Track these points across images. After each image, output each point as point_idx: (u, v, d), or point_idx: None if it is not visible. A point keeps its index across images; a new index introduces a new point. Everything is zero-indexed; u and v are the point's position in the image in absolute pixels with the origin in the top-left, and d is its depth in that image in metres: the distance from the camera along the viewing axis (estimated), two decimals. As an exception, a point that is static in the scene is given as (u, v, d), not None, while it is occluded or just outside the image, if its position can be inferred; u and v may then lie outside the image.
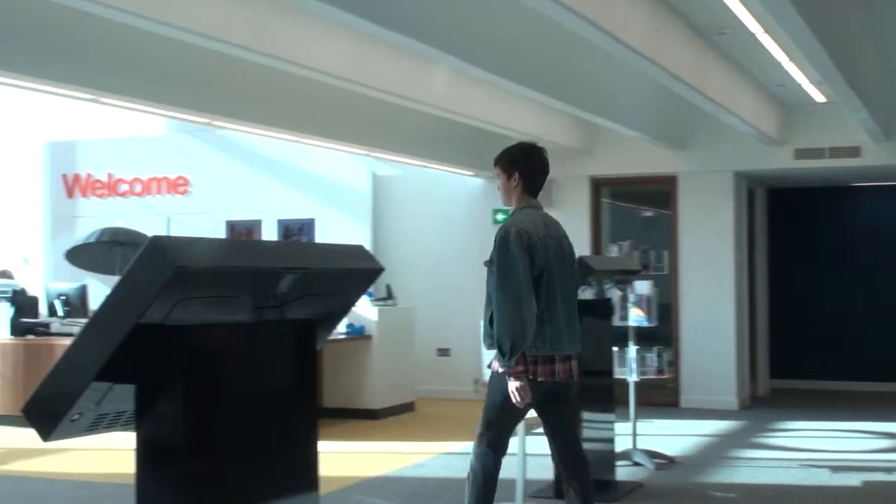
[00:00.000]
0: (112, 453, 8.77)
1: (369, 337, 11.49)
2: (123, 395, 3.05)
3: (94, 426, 3.11)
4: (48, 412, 2.94)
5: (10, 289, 11.52)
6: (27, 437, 9.92)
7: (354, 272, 3.65)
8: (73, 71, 7.55)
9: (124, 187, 14.57)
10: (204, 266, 2.95)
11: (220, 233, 13.72)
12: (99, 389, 2.95)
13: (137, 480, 3.01)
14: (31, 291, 12.06)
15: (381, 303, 11.74)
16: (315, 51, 7.51)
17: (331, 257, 3.65)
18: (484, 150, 12.18)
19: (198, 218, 13.91)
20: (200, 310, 3.10)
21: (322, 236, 13.44)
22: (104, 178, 14.64)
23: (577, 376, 5.39)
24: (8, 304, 11.18)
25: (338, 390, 11.39)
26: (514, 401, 5.13)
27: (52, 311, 11.43)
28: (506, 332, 5.07)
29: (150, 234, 10.97)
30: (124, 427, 3.30)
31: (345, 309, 3.81)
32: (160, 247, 2.82)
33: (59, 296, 11.37)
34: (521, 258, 5.15)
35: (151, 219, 13.84)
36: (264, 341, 3.31)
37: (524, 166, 5.48)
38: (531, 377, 5.15)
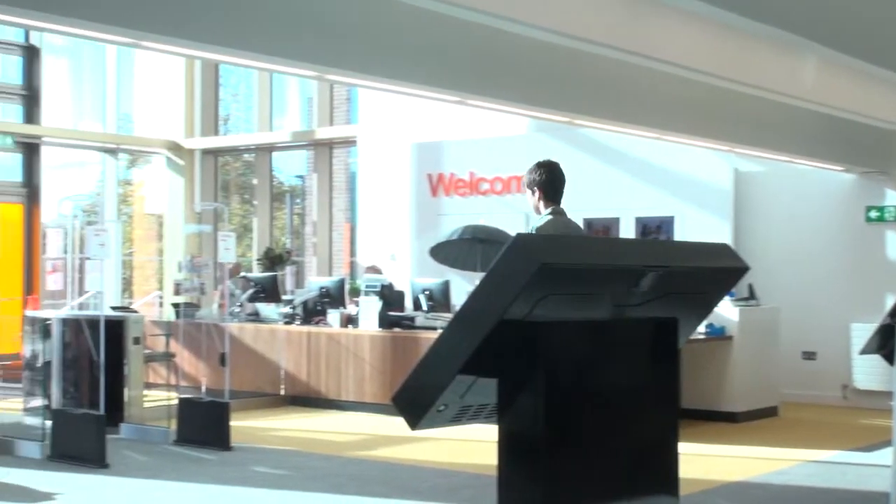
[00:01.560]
0: (471, 444, 9.02)
1: (730, 338, 11.21)
2: (486, 389, 3.11)
3: (458, 418, 3.20)
4: (416, 402, 3.04)
5: (378, 283, 12.11)
6: (394, 424, 10.44)
7: (718, 271, 3.54)
8: (442, 75, 7.82)
9: (485, 186, 14.97)
10: (566, 263, 2.95)
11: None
12: (463, 382, 3.02)
13: (499, 472, 3.06)
14: (397, 286, 12.62)
15: (742, 303, 11.42)
16: (674, 44, 7.38)
17: (694, 255, 3.56)
18: (855, 144, 11.60)
19: (557, 216, 14.04)
20: (561, 307, 3.10)
21: (681, 234, 13.24)
22: (466, 178, 15.10)
23: None
24: (377, 297, 11.77)
25: (696, 392, 11.18)
26: None
27: (416, 306, 11.92)
28: None
29: (509, 231, 11.15)
30: (486, 420, 3.37)
31: (707, 309, 3.70)
32: (524, 244, 2.85)
33: (423, 291, 11.82)
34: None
35: (511, 216, 14.13)
36: (624, 340, 3.28)
37: (542, 182, 6.35)
38: None
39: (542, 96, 8.75)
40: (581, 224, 13.78)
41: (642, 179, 13.65)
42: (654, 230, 13.53)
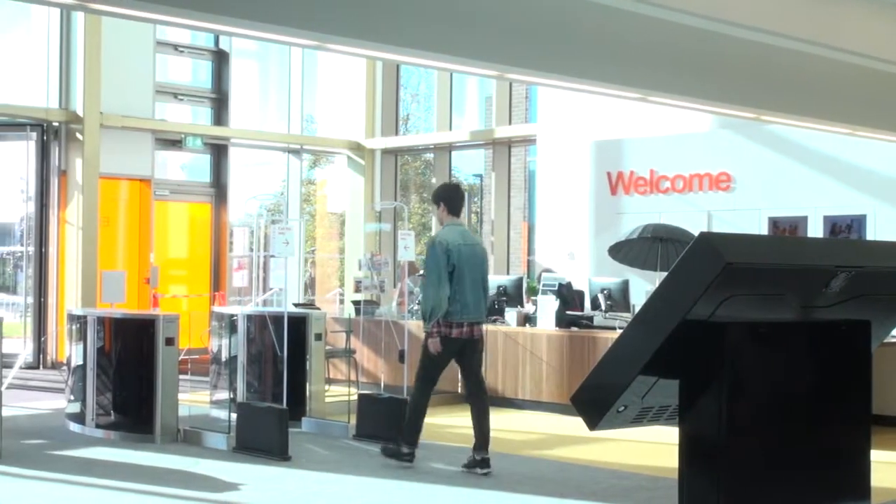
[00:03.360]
0: (648, 446, 8.89)
1: (924, 342, 10.72)
2: (667, 390, 3.05)
3: (639, 419, 3.15)
4: (596, 402, 3.01)
5: (556, 282, 12.06)
6: (570, 423, 10.35)
7: (915, 272, 3.38)
8: (623, 72, 7.74)
9: (666, 184, 14.75)
10: (752, 263, 2.86)
11: (763, 229, 13.48)
12: (644, 383, 2.97)
13: (680, 475, 3.00)
14: (576, 285, 12.55)
15: (937, 306, 10.90)
16: (863, 35, 7.10)
17: (888, 256, 3.41)
18: None
19: (740, 214, 13.76)
20: (745, 307, 3.02)
21: (873, 233, 12.75)
22: (646, 175, 14.90)
23: (479, 335, 8.25)
24: (554, 296, 11.72)
25: (891, 397, 10.73)
26: (431, 351, 8.06)
27: (595, 305, 11.82)
28: (427, 307, 8.03)
29: (691, 230, 10.95)
30: (667, 421, 3.30)
31: (903, 311, 3.54)
32: (709, 244, 2.78)
33: (602, 290, 11.71)
34: (441, 259, 7.96)
35: (692, 215, 13.88)
36: (812, 342, 3.17)
37: (447, 199, 8.28)
38: (449, 336, 8.06)
39: (728, 92, 8.56)
40: (765, 223, 13.48)
41: (831, 176, 13.21)
42: (844, 229, 13.07)
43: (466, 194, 20.44)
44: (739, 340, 2.92)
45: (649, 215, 13.69)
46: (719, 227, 13.56)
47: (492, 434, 8.28)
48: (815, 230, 13.20)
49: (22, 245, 15.61)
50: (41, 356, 15.04)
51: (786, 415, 3.04)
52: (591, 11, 7.09)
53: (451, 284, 7.97)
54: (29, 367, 14.64)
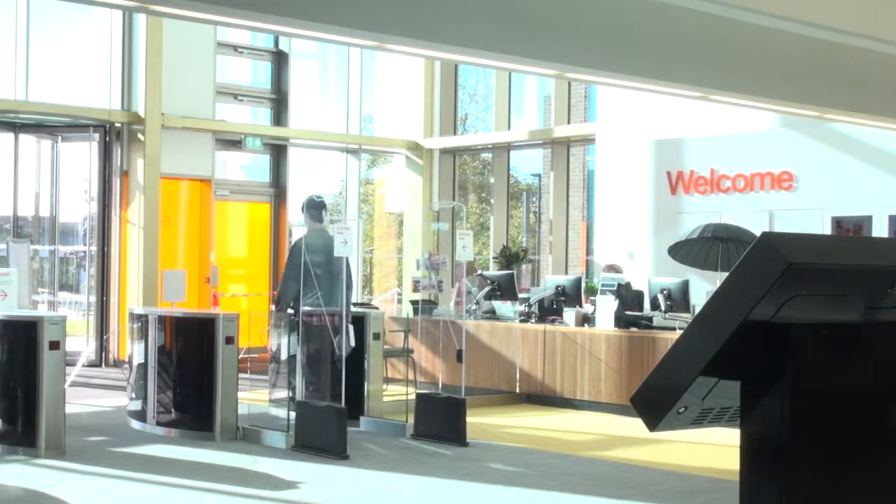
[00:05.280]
0: (708, 447, 8.82)
1: None
2: (728, 391, 3.01)
3: (699, 420, 3.11)
4: (656, 403, 2.98)
5: (615, 282, 12.00)
6: (629, 424, 10.31)
7: (983, 273, 3.31)
8: (684, 70, 7.68)
9: (727, 183, 14.62)
10: (816, 263, 2.82)
11: (826, 229, 13.31)
12: (705, 384, 2.93)
13: (741, 478, 2.97)
14: (635, 285, 12.48)
15: None
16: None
17: (955, 256, 3.34)
18: None
19: (802, 214, 13.61)
20: (809, 308, 2.98)
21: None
22: (707, 175, 14.78)
23: (338, 321, 9.32)
24: (613, 296, 11.66)
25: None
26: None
27: (654, 305, 11.74)
28: (281, 296, 9.78)
29: (751, 230, 10.87)
30: (728, 423, 3.27)
31: (971, 313, 3.47)
32: (771, 243, 2.74)
33: (661, 290, 11.65)
34: (298, 258, 9.38)
35: (753, 215, 13.75)
36: (878, 344, 3.11)
37: (310, 208, 9.92)
38: (306, 322, 9.54)
39: (791, 90, 8.47)
40: (828, 223, 13.30)
41: (897, 175, 13.03)
42: (910, 229, 12.88)
43: (538, 193, 20.45)
44: (802, 342, 2.87)
45: (710, 215, 13.59)
46: (781, 227, 13.41)
47: (551, 434, 8.25)
48: (880, 230, 13.02)
49: (84, 245, 15.84)
50: (103, 354, 15.24)
51: (850, 417, 2.99)
52: (650, 9, 7.04)
53: (311, 280, 9.39)
54: (91, 365, 14.84)
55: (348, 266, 9.56)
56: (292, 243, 9.60)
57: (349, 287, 9.74)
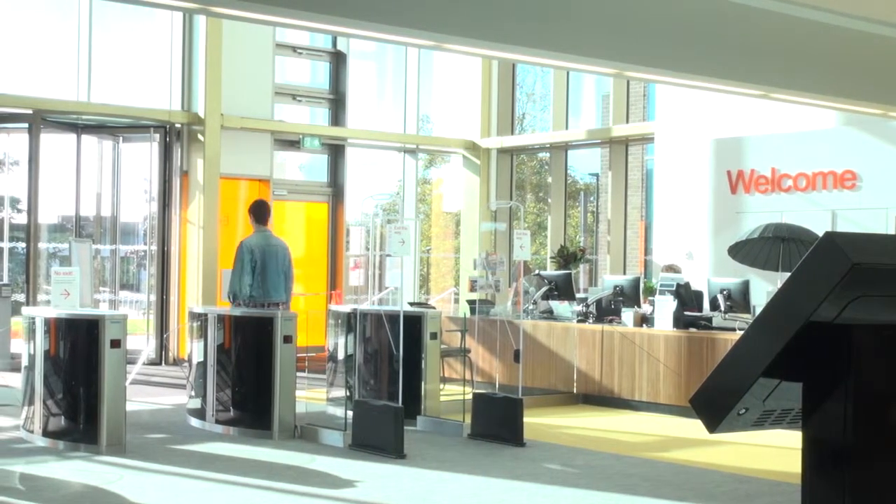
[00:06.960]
0: (769, 450, 8.72)
1: None
2: (790, 393, 2.97)
3: (760, 422, 3.07)
4: (716, 404, 2.95)
5: (674, 282, 11.90)
6: (688, 426, 10.20)
7: None
8: (744, 68, 7.60)
9: (788, 183, 14.44)
10: (881, 264, 2.77)
11: (890, 229, 13.10)
12: (766, 385, 2.90)
13: (804, 481, 2.92)
14: (694, 286, 12.36)
15: None
16: None
17: None
18: None
19: (866, 213, 13.40)
20: (874, 309, 2.93)
21: None
22: (767, 174, 14.61)
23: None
24: (672, 297, 11.57)
25: None
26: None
27: (714, 306, 11.63)
28: (230, 291, 10.19)
29: (813, 230, 10.72)
30: (789, 425, 3.22)
31: None
32: (835, 244, 2.69)
33: (721, 290, 11.54)
34: (245, 257, 10.12)
35: (815, 214, 13.57)
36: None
37: (253, 212, 10.54)
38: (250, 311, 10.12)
39: (854, 88, 8.35)
40: (892, 222, 13.07)
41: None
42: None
43: (596, 193, 20.39)
44: (866, 343, 2.83)
45: (771, 214, 13.44)
46: (844, 227, 13.22)
47: (608, 435, 8.19)
48: (946, 230, 12.80)
49: (145, 244, 16.02)
50: (163, 353, 15.41)
51: (915, 420, 2.92)
52: (710, 7, 6.98)
53: (254, 275, 10.09)
54: (151, 363, 15.00)
55: (288, 260, 10.47)
56: (239, 245, 10.39)
57: (288, 278, 10.52)
